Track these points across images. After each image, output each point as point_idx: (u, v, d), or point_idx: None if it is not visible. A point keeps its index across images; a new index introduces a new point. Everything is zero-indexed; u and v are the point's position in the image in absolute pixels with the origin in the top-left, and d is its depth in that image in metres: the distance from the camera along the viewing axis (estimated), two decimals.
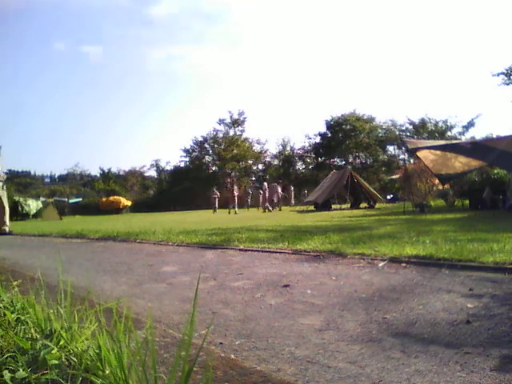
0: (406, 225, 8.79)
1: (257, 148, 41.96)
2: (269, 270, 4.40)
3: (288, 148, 42.27)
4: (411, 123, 36.67)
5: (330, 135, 39.33)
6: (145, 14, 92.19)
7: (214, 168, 41.02)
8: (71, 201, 39.85)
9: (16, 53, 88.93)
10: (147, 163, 50.98)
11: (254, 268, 4.60)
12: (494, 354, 2.00)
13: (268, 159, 42.83)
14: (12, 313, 1.96)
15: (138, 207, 35.19)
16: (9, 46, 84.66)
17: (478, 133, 48.15)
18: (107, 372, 1.37)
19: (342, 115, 39.14)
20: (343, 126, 38.68)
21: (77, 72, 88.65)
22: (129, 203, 32.35)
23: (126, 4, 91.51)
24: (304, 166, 41.97)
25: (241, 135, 41.33)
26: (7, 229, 11.74)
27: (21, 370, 1.42)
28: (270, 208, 22.02)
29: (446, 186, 15.85)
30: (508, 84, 18.90)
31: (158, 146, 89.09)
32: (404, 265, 4.21)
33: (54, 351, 1.51)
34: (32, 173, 68.13)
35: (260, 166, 43.24)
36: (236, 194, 22.69)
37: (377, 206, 21.58)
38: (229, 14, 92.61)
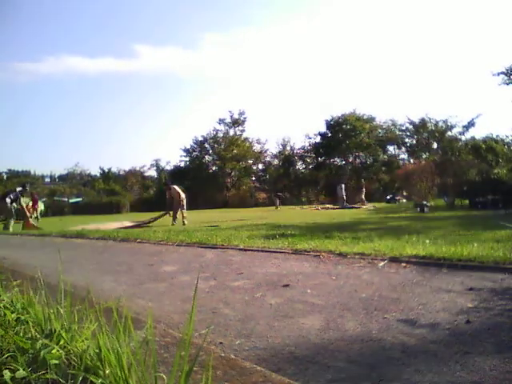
0: (405, 223, 8.80)
1: (257, 148, 41.95)
2: (269, 270, 4.40)
3: (288, 148, 42.25)
4: (411, 123, 36.60)
5: (330, 135, 39.28)
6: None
7: (214, 168, 41.00)
8: (71, 200, 39.83)
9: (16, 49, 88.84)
10: (147, 163, 51.02)
11: (254, 268, 4.60)
12: (494, 353, 2.00)
13: (268, 159, 42.83)
14: (12, 313, 1.95)
15: (138, 207, 35.19)
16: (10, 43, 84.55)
17: (478, 133, 48.11)
18: (107, 372, 1.37)
19: (342, 115, 39.11)
20: (343, 126, 38.61)
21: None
22: None
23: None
24: (304, 166, 41.96)
25: (241, 135, 41.30)
26: None
27: (21, 369, 1.42)
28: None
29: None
30: (508, 84, 18.82)
31: (158, 145, 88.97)
32: (404, 265, 4.21)
33: (54, 351, 1.51)
34: (32, 173, 67.94)
35: (260, 166, 43.26)
36: None
37: (377, 205, 21.58)
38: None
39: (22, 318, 1.89)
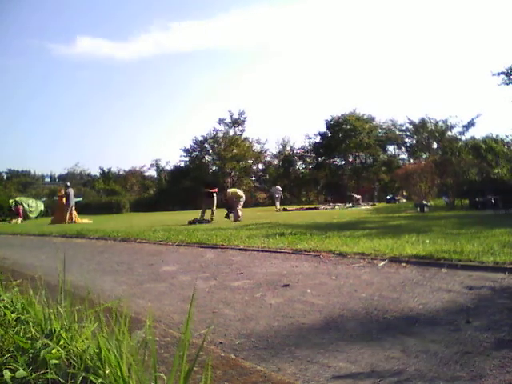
0: (405, 223, 8.79)
1: (257, 148, 41.93)
2: (269, 270, 4.40)
3: (288, 148, 42.27)
4: (411, 123, 36.57)
5: (330, 135, 39.29)
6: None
7: (213, 168, 40.97)
8: None
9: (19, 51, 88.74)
10: (147, 163, 51.04)
11: (253, 268, 4.60)
12: (493, 353, 2.00)
13: (268, 159, 42.83)
14: (12, 312, 1.95)
15: (138, 207, 35.15)
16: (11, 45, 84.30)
17: (478, 133, 48.16)
18: (107, 372, 1.37)
19: (342, 115, 39.10)
20: (343, 126, 38.61)
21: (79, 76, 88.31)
22: None
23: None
24: (304, 166, 41.96)
25: (241, 135, 41.28)
26: None
27: (21, 369, 1.42)
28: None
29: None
30: (508, 84, 18.77)
31: (159, 145, 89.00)
32: (404, 264, 4.21)
33: (54, 351, 1.51)
34: (32, 172, 67.94)
35: (260, 166, 43.25)
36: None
37: (377, 205, 21.61)
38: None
39: (22, 317, 1.89)
